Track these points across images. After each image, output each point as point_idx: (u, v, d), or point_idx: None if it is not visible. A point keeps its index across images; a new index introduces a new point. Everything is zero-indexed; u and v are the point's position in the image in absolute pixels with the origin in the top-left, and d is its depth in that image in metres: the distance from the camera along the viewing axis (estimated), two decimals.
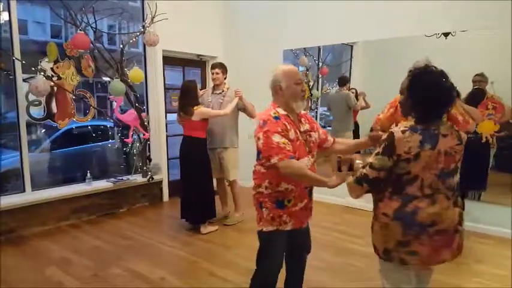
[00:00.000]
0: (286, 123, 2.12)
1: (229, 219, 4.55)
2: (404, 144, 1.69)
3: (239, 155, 4.56)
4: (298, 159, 2.09)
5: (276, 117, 2.13)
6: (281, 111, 2.17)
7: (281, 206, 2.16)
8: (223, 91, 4.36)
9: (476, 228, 4.14)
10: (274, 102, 2.23)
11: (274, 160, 2.04)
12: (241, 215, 4.56)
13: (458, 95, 3.41)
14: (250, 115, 4.35)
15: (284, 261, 2.37)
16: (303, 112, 2.30)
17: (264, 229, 2.21)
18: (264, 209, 2.19)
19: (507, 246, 3.82)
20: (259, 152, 2.16)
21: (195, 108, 4.03)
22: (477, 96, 3.94)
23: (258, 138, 2.11)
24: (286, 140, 2.07)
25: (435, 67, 1.76)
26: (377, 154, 1.77)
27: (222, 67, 4.41)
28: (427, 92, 1.71)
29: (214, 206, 4.33)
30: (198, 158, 4.15)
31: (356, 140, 2.48)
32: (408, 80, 1.79)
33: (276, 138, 2.05)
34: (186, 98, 4.11)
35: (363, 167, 1.81)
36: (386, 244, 1.80)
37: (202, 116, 4.05)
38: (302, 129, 2.22)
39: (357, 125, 5.44)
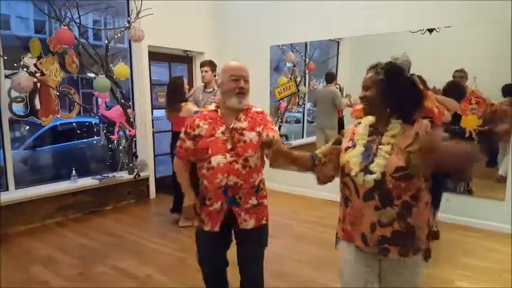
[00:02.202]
0: (199, 119, 2.12)
1: None
2: None
3: None
4: (211, 156, 2.04)
5: (195, 112, 2.20)
6: (211, 106, 2.19)
7: (204, 204, 2.15)
8: (214, 89, 4.32)
9: (461, 221, 4.23)
10: None
11: None
12: None
13: (426, 86, 3.40)
14: None
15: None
16: (258, 110, 2.20)
17: (195, 223, 2.25)
18: (197, 204, 2.20)
19: (492, 238, 3.91)
20: None
21: (183, 104, 4.04)
22: (455, 88, 3.74)
23: None
24: (183, 137, 2.15)
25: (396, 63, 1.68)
26: None
27: (211, 65, 4.36)
28: (411, 91, 1.66)
29: None
30: None
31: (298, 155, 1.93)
32: (385, 77, 1.69)
33: (180, 134, 2.20)
34: (173, 94, 4.12)
35: None
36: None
37: (188, 114, 4.03)
38: (233, 126, 2.09)
39: (342, 122, 5.46)
